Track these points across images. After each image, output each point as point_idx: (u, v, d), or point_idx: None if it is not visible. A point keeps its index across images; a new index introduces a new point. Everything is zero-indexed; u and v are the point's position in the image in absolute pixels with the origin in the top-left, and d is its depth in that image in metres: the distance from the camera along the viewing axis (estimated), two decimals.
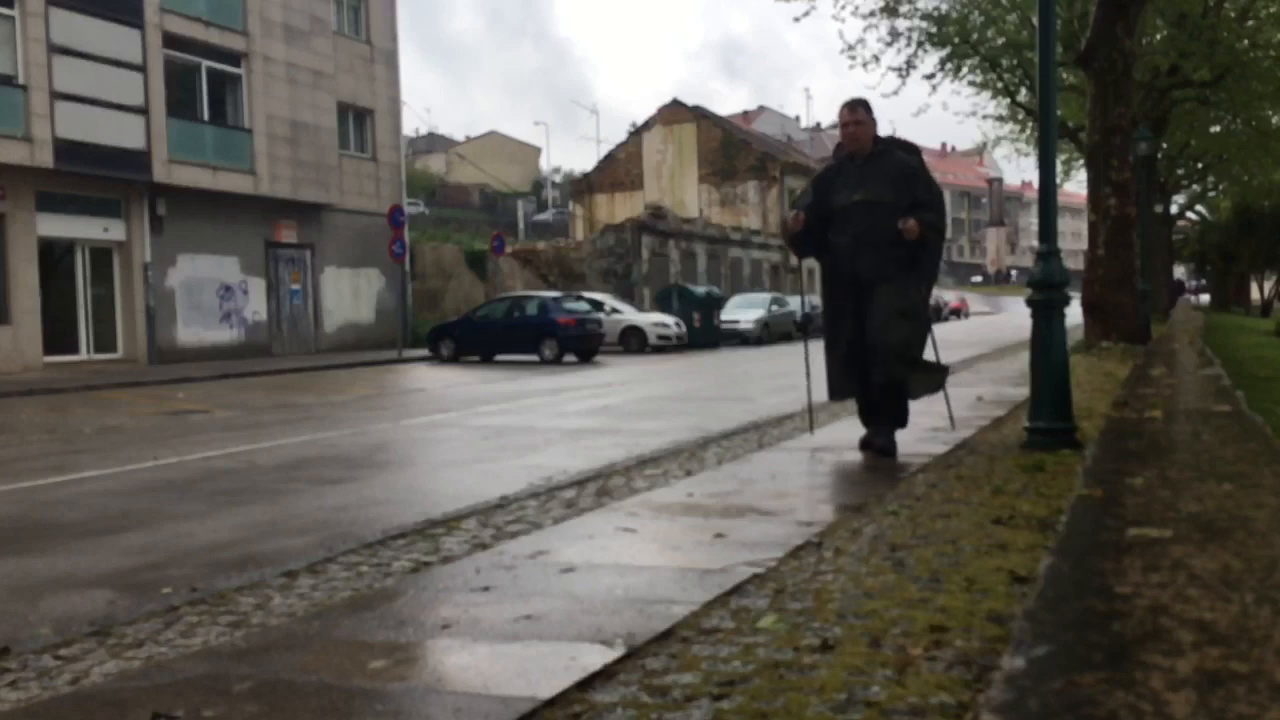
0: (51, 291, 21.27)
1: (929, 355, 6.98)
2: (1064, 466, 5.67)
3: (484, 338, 23.94)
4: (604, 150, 59.50)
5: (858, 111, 6.64)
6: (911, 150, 6.83)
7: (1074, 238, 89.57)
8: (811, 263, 7.39)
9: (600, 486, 6.02)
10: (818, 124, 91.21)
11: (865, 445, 6.78)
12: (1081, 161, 24.72)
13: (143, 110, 22.07)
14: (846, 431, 7.63)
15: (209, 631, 3.49)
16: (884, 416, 6.72)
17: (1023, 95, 24.69)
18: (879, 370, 6.50)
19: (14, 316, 20.33)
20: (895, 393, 6.61)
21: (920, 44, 22.16)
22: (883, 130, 6.72)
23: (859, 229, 6.51)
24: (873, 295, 6.52)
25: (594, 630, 3.18)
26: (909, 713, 2.39)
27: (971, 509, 4.70)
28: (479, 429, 10.24)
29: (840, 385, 6.81)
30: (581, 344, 23.29)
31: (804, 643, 2.91)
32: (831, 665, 2.72)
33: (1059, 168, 26.42)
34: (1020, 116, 27.79)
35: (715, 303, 29.77)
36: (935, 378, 6.93)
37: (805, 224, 6.65)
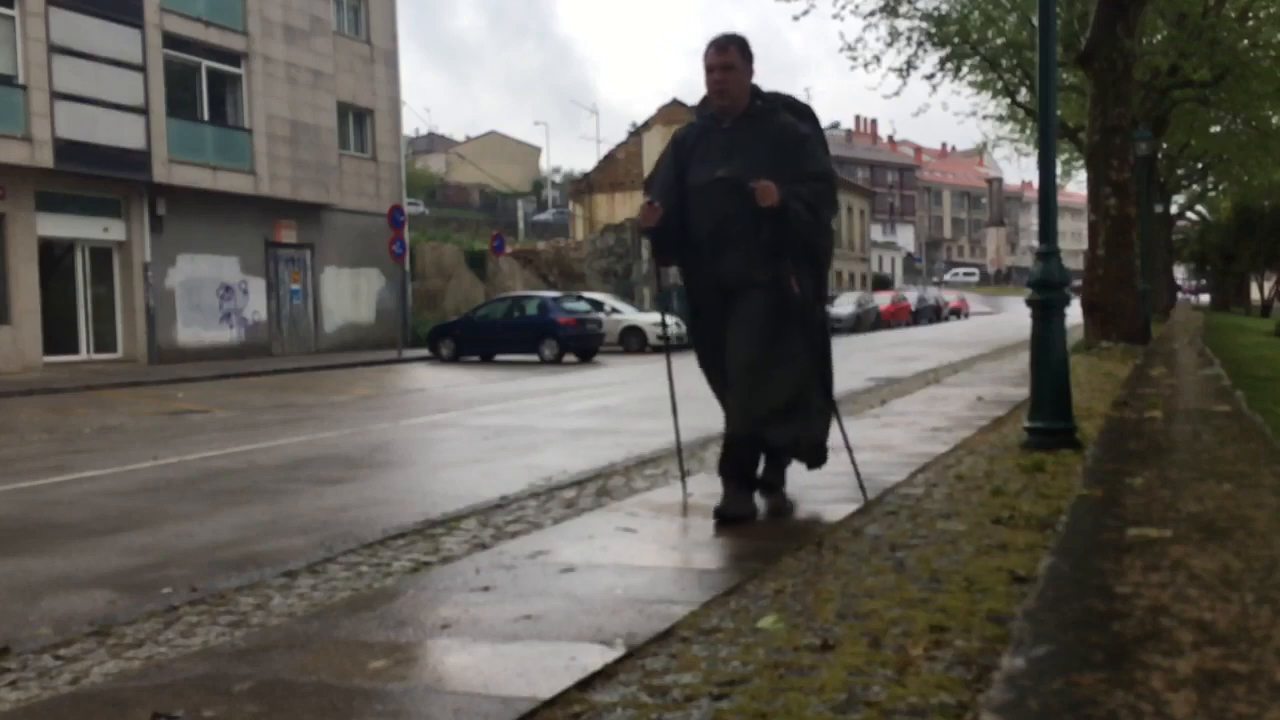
0: (51, 291, 21.26)
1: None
2: (1064, 466, 5.66)
3: (484, 338, 23.95)
4: (604, 150, 59.39)
5: (728, 52, 4.76)
6: (804, 113, 5.03)
7: (1074, 238, 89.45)
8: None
9: (600, 486, 6.02)
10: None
11: (720, 515, 4.70)
12: (1081, 161, 24.71)
13: (143, 110, 22.06)
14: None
15: (209, 631, 3.49)
16: (771, 464, 5.15)
17: (1023, 95, 24.66)
18: (733, 420, 4.85)
19: (14, 316, 20.32)
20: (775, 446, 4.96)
21: (920, 44, 22.14)
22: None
23: (720, 217, 4.72)
24: (735, 314, 4.78)
25: (594, 630, 3.17)
26: (909, 713, 2.39)
27: (971, 509, 4.69)
28: (479, 429, 10.24)
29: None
30: (581, 344, 23.29)
31: (804, 643, 2.91)
32: (831, 665, 2.71)
33: (1059, 168, 26.40)
34: (1020, 116, 27.76)
35: None
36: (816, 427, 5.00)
37: (664, 218, 4.79)
